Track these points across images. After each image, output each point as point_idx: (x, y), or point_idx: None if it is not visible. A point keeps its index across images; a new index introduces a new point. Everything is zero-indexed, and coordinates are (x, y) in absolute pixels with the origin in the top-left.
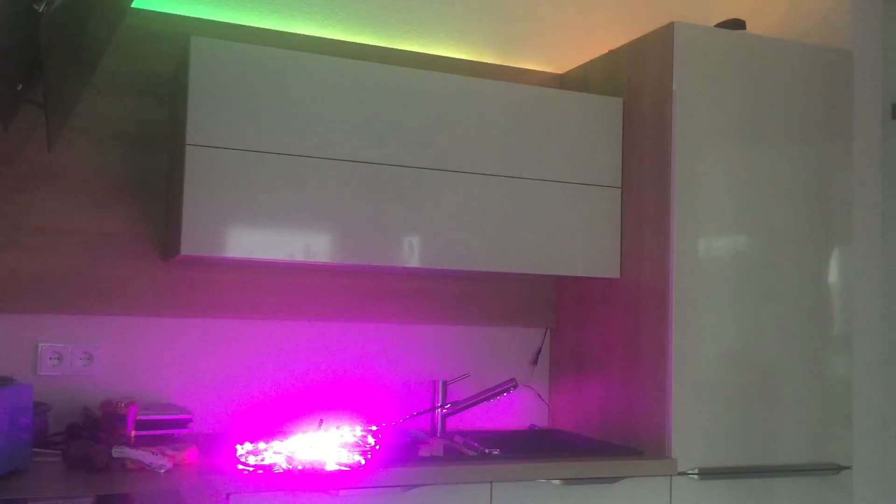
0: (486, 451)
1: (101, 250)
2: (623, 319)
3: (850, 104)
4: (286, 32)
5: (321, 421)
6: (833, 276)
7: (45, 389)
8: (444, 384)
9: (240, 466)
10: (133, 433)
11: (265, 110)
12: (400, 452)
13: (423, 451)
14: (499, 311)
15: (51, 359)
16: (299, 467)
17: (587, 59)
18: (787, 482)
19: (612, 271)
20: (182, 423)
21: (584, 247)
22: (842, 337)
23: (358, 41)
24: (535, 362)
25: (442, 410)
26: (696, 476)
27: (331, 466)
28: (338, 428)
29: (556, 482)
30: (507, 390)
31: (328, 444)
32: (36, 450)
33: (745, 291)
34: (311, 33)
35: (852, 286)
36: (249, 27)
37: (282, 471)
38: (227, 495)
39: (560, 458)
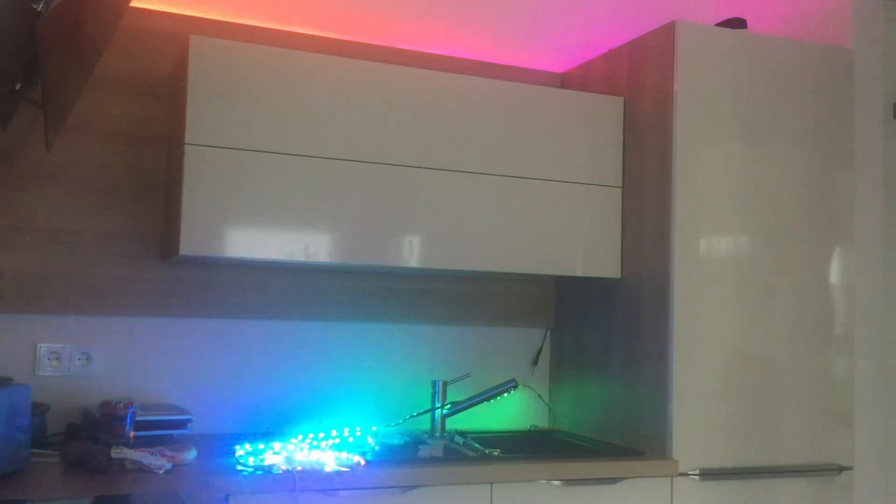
0: (487, 451)
1: (100, 250)
2: (623, 319)
3: (852, 103)
4: (286, 32)
5: (321, 421)
6: (834, 275)
7: (43, 390)
8: (444, 384)
9: (239, 467)
10: (132, 434)
11: (265, 110)
12: (400, 453)
13: (423, 452)
14: (499, 311)
15: (49, 359)
16: (299, 468)
17: (588, 59)
18: (788, 483)
19: (613, 271)
20: (181, 424)
21: (584, 247)
22: (843, 337)
23: (358, 41)
24: (535, 362)
25: (442, 410)
26: (697, 477)
27: (330, 467)
28: (338, 428)
29: (557, 483)
30: (507, 390)
31: (328, 444)
32: (34, 450)
33: (746, 291)
34: (310, 33)
35: (853, 286)
36: (249, 26)
37: (281, 472)
38: (227, 496)
39: (560, 459)
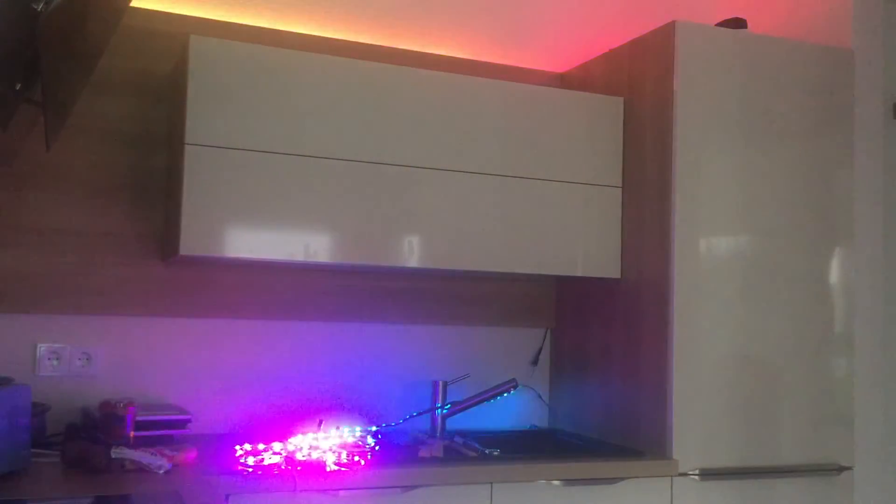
0: (486, 451)
1: (100, 250)
2: (623, 319)
3: (852, 103)
4: (286, 32)
5: (321, 421)
6: (834, 275)
7: (43, 390)
8: (445, 384)
9: (239, 467)
10: (132, 434)
11: (265, 110)
12: (400, 453)
13: (423, 452)
14: (499, 311)
15: (49, 359)
16: (299, 468)
17: (588, 59)
18: (788, 483)
19: (613, 271)
20: (181, 424)
21: (584, 247)
22: (843, 337)
23: (358, 41)
24: (535, 362)
25: (442, 410)
26: (697, 477)
27: (330, 467)
28: (338, 428)
29: (557, 483)
30: (507, 390)
31: (328, 444)
32: (35, 450)
33: (746, 291)
34: (311, 33)
35: (853, 286)
36: (249, 27)
37: (281, 471)
38: (227, 496)
39: (560, 459)
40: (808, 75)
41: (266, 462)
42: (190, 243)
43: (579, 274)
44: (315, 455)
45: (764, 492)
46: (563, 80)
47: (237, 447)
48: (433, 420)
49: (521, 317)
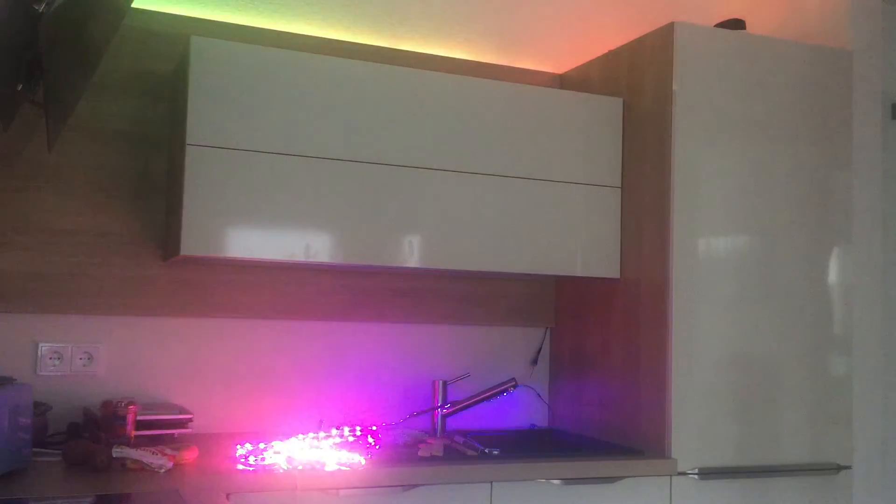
0: (486, 450)
1: (101, 250)
2: (623, 319)
3: (850, 104)
4: (286, 32)
5: (321, 421)
6: (833, 275)
7: (45, 389)
8: (445, 384)
9: (240, 466)
10: (133, 433)
11: (265, 110)
12: (400, 452)
13: (423, 451)
14: (499, 311)
15: (51, 359)
16: (299, 467)
17: (587, 59)
18: (787, 482)
19: (612, 271)
20: (182, 423)
21: (584, 247)
22: (842, 337)
23: (358, 41)
24: (535, 362)
25: (442, 410)
26: (695, 476)
27: (331, 466)
28: (338, 428)
29: (556, 482)
30: (507, 390)
31: (328, 444)
32: (36, 449)
33: (745, 291)
34: (311, 33)
35: (852, 286)
36: (249, 27)
37: (282, 471)
38: (227, 495)
39: (560, 458)
40: (806, 76)
41: (266, 461)
42: (191, 243)
43: (579, 274)
44: (315, 454)
45: (762, 491)
46: (563, 81)
47: (238, 446)
48: (433, 419)
49: (520, 316)
